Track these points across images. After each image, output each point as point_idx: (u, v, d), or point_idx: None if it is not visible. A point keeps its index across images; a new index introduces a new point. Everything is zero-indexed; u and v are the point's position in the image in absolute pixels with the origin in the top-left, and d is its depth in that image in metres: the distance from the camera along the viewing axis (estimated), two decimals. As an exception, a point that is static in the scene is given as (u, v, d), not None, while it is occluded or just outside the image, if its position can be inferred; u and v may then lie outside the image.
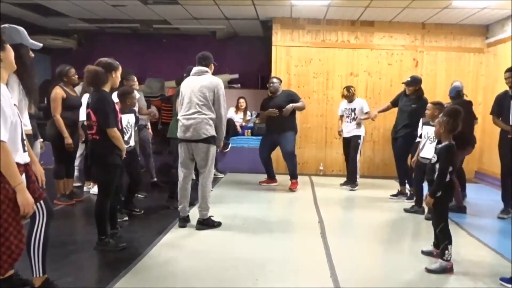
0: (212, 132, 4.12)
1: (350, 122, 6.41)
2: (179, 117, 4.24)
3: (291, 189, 6.24)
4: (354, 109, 6.39)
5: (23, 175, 2.33)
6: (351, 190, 6.38)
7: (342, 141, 6.68)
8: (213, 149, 4.18)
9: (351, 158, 6.41)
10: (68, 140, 4.86)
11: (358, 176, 6.50)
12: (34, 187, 2.44)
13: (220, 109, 4.14)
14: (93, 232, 3.65)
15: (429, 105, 4.79)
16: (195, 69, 4.30)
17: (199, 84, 4.14)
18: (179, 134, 4.22)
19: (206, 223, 4.30)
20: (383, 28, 7.70)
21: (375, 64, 7.74)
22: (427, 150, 4.65)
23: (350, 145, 6.43)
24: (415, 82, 5.64)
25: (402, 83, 5.91)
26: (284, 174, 7.27)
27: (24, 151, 2.40)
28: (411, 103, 5.62)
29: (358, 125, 6.33)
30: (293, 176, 6.33)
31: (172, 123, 5.11)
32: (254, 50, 9.28)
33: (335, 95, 7.77)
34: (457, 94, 5.31)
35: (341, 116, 6.62)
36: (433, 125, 4.66)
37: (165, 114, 7.87)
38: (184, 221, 4.38)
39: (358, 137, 6.35)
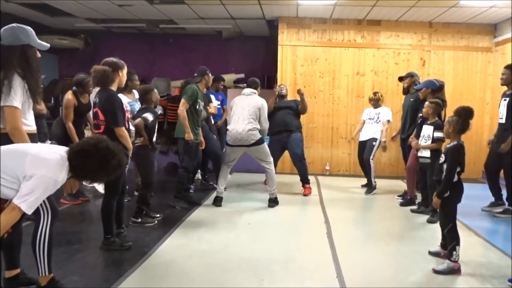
0: (258, 136, 5.17)
1: (372, 124, 6.15)
2: (228, 127, 5.28)
3: (305, 195, 5.94)
4: (379, 113, 6.14)
5: None
6: (367, 194, 6.12)
7: (358, 145, 6.43)
8: (263, 145, 5.25)
9: (365, 160, 6.15)
10: None
11: (373, 180, 6.15)
12: None
13: (263, 123, 5.30)
14: (99, 231, 3.67)
15: (426, 103, 4.74)
16: (246, 90, 5.44)
17: (248, 103, 5.26)
18: (231, 141, 5.15)
19: (276, 201, 5.34)
20: (390, 27, 7.64)
21: (382, 64, 7.69)
22: (424, 150, 4.64)
23: (365, 147, 6.18)
24: (408, 75, 5.75)
25: (398, 77, 5.99)
26: (288, 174, 7.25)
27: None
28: (409, 97, 5.60)
29: (384, 148, 6.17)
30: (305, 180, 6.04)
31: (178, 124, 5.10)
32: (260, 50, 9.28)
33: (341, 95, 7.74)
34: (429, 83, 5.14)
35: (364, 122, 6.30)
36: (429, 125, 4.63)
37: (171, 113, 7.86)
38: (220, 202, 5.22)
39: (374, 139, 6.09)
